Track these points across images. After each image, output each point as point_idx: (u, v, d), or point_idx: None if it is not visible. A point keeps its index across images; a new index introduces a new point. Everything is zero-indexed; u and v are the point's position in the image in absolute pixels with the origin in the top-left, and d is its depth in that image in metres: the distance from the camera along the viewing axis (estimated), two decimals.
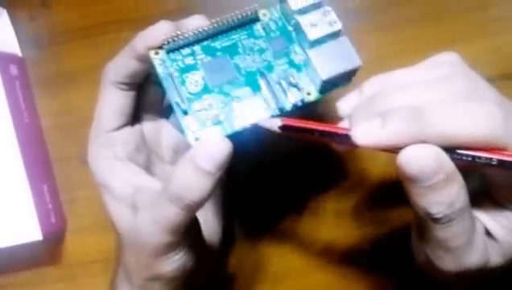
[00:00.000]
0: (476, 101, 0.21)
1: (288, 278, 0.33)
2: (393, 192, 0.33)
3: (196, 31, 0.24)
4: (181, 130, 0.24)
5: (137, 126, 0.28)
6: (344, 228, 0.34)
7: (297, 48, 0.25)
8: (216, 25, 0.24)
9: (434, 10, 0.35)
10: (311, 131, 0.22)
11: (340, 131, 0.22)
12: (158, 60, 0.24)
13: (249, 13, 0.24)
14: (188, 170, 0.22)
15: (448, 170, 0.20)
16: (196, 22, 0.25)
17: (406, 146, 0.20)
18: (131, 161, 0.27)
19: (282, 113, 0.24)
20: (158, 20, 0.36)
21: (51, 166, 0.35)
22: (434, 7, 0.35)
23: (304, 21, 0.24)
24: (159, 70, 0.24)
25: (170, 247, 0.24)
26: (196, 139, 0.23)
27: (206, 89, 0.24)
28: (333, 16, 0.24)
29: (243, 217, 0.34)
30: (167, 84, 0.24)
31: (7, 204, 0.32)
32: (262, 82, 0.24)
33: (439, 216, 0.20)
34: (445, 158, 0.20)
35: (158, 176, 0.28)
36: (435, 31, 0.34)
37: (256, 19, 0.25)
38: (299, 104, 0.24)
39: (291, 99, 0.24)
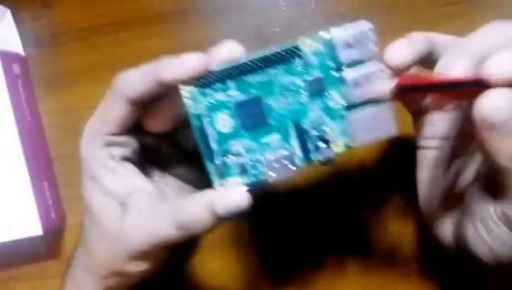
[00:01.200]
0: None
1: None
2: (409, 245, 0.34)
3: (230, 66, 0.22)
4: (206, 172, 0.24)
5: (138, 134, 0.27)
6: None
7: (335, 95, 0.23)
8: (252, 62, 0.23)
9: (425, 17, 0.35)
10: (435, 86, 0.20)
11: (468, 79, 0.20)
12: (188, 93, 0.23)
13: (290, 46, 0.23)
14: (203, 208, 0.23)
15: None
16: (229, 50, 0.23)
17: None
18: (127, 161, 0.27)
19: (307, 164, 0.23)
20: (155, 22, 0.37)
21: (52, 163, 0.36)
22: (424, 13, 0.35)
23: (349, 76, 0.22)
24: (188, 107, 0.23)
25: (147, 256, 0.25)
26: (221, 185, 0.23)
27: (235, 132, 0.23)
28: (383, 77, 0.22)
29: (265, 264, 0.35)
30: (195, 124, 0.23)
31: (9, 199, 0.33)
32: (292, 131, 0.23)
33: None
34: None
35: (151, 176, 0.28)
36: None
37: (297, 53, 0.23)
38: (324, 161, 0.23)
39: (319, 156, 0.23)
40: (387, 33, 0.23)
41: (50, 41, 0.36)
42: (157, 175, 0.29)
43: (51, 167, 0.36)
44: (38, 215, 0.33)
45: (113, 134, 0.26)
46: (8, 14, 0.36)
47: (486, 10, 0.35)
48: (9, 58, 0.35)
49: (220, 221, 0.23)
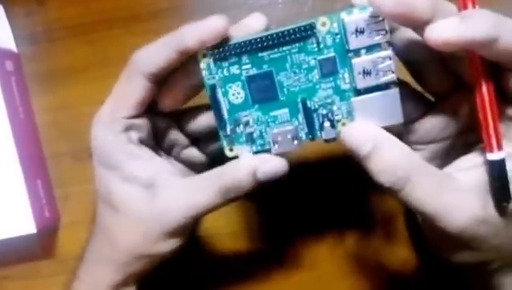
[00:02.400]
0: None
1: None
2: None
3: (245, 40, 0.23)
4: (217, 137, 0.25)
5: (150, 115, 0.27)
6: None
7: (346, 76, 0.23)
8: (267, 37, 0.23)
9: None
10: None
11: None
12: (205, 64, 0.24)
13: (306, 24, 0.23)
14: (244, 173, 0.24)
15: None
16: (250, 22, 0.24)
17: None
18: (144, 144, 0.26)
19: (311, 140, 0.24)
20: (149, 19, 0.37)
21: (45, 161, 0.36)
22: None
23: (358, 64, 0.22)
24: (204, 77, 0.24)
25: (182, 231, 0.25)
26: (231, 150, 0.25)
27: (246, 104, 0.24)
28: (390, 64, 0.22)
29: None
30: (209, 93, 0.24)
31: (2, 198, 0.33)
32: (300, 107, 0.24)
33: None
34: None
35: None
36: None
37: (312, 32, 0.23)
38: (328, 141, 0.24)
39: (323, 135, 0.24)
40: None
41: (43, 37, 0.36)
42: (164, 158, 0.29)
43: (45, 166, 0.36)
44: (31, 213, 0.33)
45: (132, 117, 0.25)
46: (1, 10, 0.36)
47: None
48: (2, 54, 0.34)
49: (257, 185, 0.24)
